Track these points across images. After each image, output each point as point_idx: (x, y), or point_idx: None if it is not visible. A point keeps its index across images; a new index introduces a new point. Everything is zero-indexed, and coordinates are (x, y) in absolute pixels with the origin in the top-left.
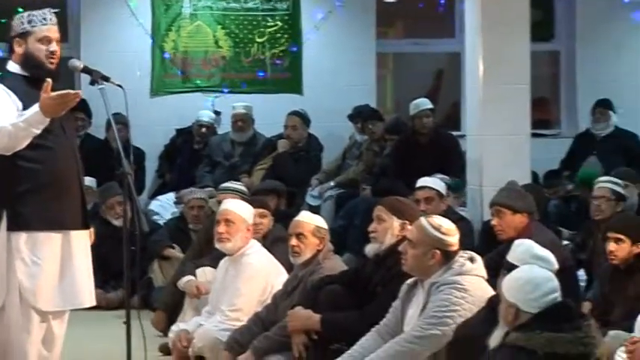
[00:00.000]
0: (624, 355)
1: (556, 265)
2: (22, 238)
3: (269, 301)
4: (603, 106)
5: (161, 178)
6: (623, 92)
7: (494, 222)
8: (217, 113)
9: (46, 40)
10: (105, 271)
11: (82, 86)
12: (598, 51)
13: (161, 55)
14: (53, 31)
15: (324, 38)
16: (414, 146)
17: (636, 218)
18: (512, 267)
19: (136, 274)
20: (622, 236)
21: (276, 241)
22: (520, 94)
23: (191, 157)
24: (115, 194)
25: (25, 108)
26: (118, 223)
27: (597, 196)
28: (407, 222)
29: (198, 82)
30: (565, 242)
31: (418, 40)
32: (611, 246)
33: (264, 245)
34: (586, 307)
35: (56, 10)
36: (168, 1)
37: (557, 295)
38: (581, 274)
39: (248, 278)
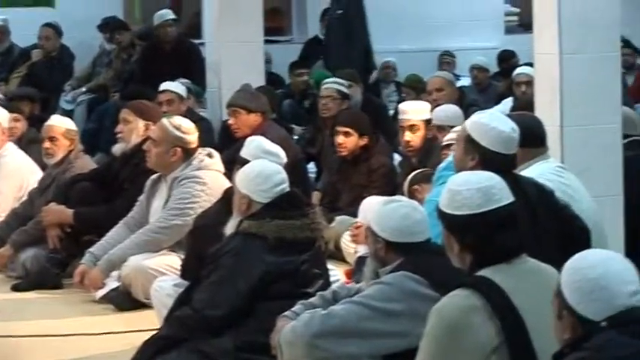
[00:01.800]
0: (349, 238)
1: (285, 159)
2: None
3: (25, 198)
4: None
5: None
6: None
7: (230, 121)
8: None
9: None
10: None
11: None
12: None
13: None
14: None
15: None
16: (158, 54)
17: (361, 114)
18: (245, 162)
19: None
20: (350, 130)
21: (30, 143)
22: (254, 4)
23: None
24: None
25: None
26: None
27: (324, 96)
28: (150, 123)
29: None
30: (296, 138)
31: None
32: (340, 139)
33: (20, 147)
34: (316, 196)
35: None
36: None
37: (286, 186)
38: (312, 166)
39: (5, 177)
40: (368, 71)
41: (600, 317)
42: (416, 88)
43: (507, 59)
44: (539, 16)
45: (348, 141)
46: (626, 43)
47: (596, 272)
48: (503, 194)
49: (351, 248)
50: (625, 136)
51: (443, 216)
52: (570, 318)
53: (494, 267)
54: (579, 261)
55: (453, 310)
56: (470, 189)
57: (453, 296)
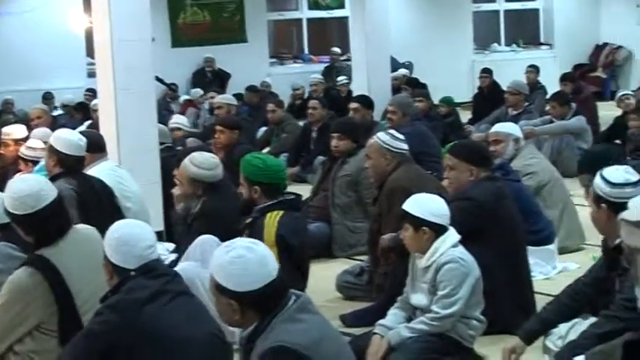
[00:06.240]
0: None
1: None
2: None
3: None
4: None
5: None
6: None
7: None
8: None
9: None
10: None
11: None
12: None
13: None
14: None
15: None
16: None
17: None
18: None
19: None
20: None
21: None
22: None
23: None
24: None
25: None
26: None
27: None
28: None
29: None
30: None
31: None
32: None
33: None
34: None
35: None
36: None
37: None
38: None
39: None
40: None
41: (130, 265)
42: (22, 119)
43: (90, 96)
44: (100, 65)
45: None
46: (160, 81)
47: (119, 233)
48: (49, 193)
49: None
50: (161, 144)
51: (8, 214)
52: (109, 266)
53: (51, 246)
54: (114, 227)
55: (20, 280)
56: (22, 195)
57: (22, 270)
